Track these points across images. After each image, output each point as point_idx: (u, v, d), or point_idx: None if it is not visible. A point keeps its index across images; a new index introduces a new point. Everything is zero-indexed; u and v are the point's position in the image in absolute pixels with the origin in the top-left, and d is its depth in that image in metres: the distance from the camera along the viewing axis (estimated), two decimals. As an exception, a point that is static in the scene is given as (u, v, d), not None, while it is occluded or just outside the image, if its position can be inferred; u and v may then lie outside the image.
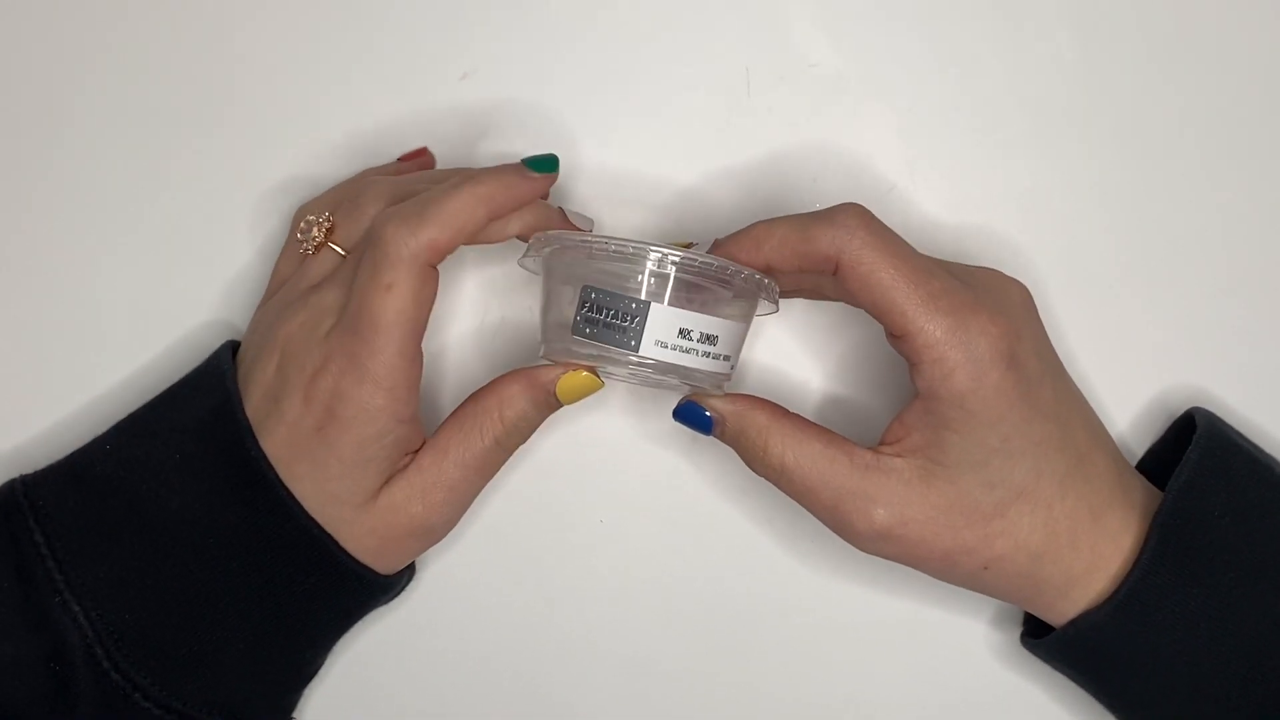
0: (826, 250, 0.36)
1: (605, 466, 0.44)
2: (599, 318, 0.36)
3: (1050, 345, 0.39)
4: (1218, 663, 0.37)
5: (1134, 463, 0.43)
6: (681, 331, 0.36)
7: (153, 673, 0.37)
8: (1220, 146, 0.44)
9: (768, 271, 0.37)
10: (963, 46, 0.44)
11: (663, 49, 0.44)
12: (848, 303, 0.39)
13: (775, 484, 0.38)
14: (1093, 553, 0.38)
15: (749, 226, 0.38)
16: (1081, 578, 0.38)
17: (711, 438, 0.39)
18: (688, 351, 0.36)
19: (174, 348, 0.45)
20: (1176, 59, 0.44)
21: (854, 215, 0.36)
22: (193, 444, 0.38)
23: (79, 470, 0.39)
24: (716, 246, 0.38)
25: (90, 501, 0.38)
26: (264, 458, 0.37)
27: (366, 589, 0.40)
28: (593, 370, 0.37)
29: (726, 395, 0.38)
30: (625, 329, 0.36)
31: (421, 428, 0.39)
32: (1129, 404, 0.44)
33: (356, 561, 0.39)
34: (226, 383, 0.39)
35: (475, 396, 0.39)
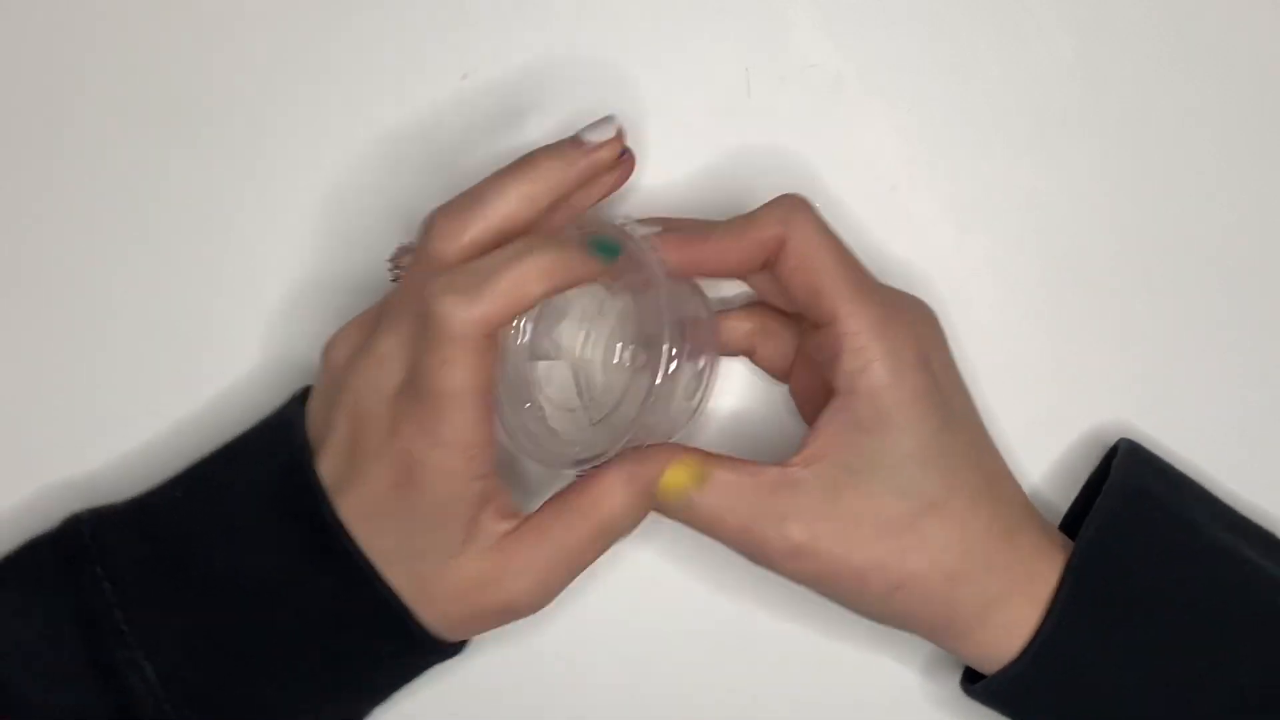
0: (774, 229, 0.36)
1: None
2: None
3: (956, 369, 0.39)
4: (1141, 710, 0.37)
5: (1078, 491, 0.43)
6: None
7: None
8: (1221, 147, 0.44)
9: (697, 268, 0.38)
10: (963, 47, 0.44)
11: (662, 49, 0.44)
12: (769, 297, 0.39)
13: (686, 524, 0.37)
14: (1008, 574, 0.37)
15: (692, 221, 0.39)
16: (997, 601, 0.37)
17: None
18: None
19: (212, 369, 0.45)
20: (1177, 59, 0.44)
21: (798, 199, 0.37)
22: (266, 505, 0.37)
23: (148, 517, 0.38)
24: (667, 232, 0.38)
25: (159, 554, 0.37)
26: (340, 524, 0.36)
27: (436, 655, 0.39)
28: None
29: (620, 457, 0.37)
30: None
31: (500, 487, 0.37)
32: (1129, 405, 0.44)
33: (429, 634, 0.37)
34: (297, 437, 0.37)
35: (575, 487, 0.37)
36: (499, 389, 0.37)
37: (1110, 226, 0.44)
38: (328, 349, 0.38)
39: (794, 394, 0.42)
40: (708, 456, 0.37)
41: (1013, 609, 0.37)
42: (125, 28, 0.45)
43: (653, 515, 0.38)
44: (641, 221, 0.38)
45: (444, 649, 0.39)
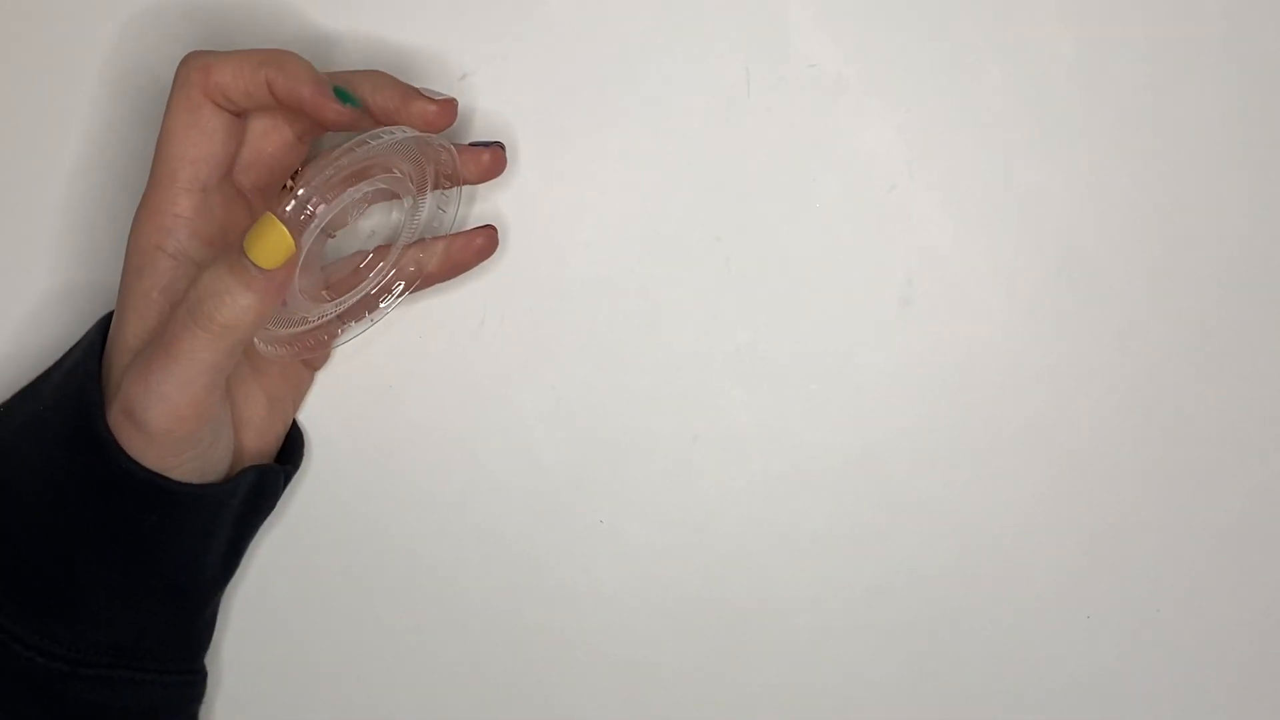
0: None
1: (605, 466, 0.44)
2: None
3: None
4: None
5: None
6: None
7: (25, 621, 0.38)
8: (1221, 147, 0.44)
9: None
10: (963, 46, 0.44)
11: (662, 49, 0.44)
12: None
13: None
14: None
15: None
16: None
17: None
18: None
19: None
20: (1177, 59, 0.44)
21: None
22: (57, 399, 0.39)
23: None
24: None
25: None
26: (99, 387, 0.38)
27: (204, 502, 0.39)
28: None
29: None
30: None
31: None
32: (1128, 404, 0.44)
33: (156, 475, 0.37)
34: (92, 332, 0.39)
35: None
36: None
37: (1110, 226, 0.44)
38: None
39: None
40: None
41: None
42: (123, 27, 0.45)
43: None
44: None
45: (203, 495, 0.39)
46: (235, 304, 0.35)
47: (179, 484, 0.38)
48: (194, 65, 0.37)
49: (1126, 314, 0.44)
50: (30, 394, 0.41)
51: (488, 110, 0.45)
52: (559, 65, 0.45)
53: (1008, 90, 0.44)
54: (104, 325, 0.40)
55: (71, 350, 0.41)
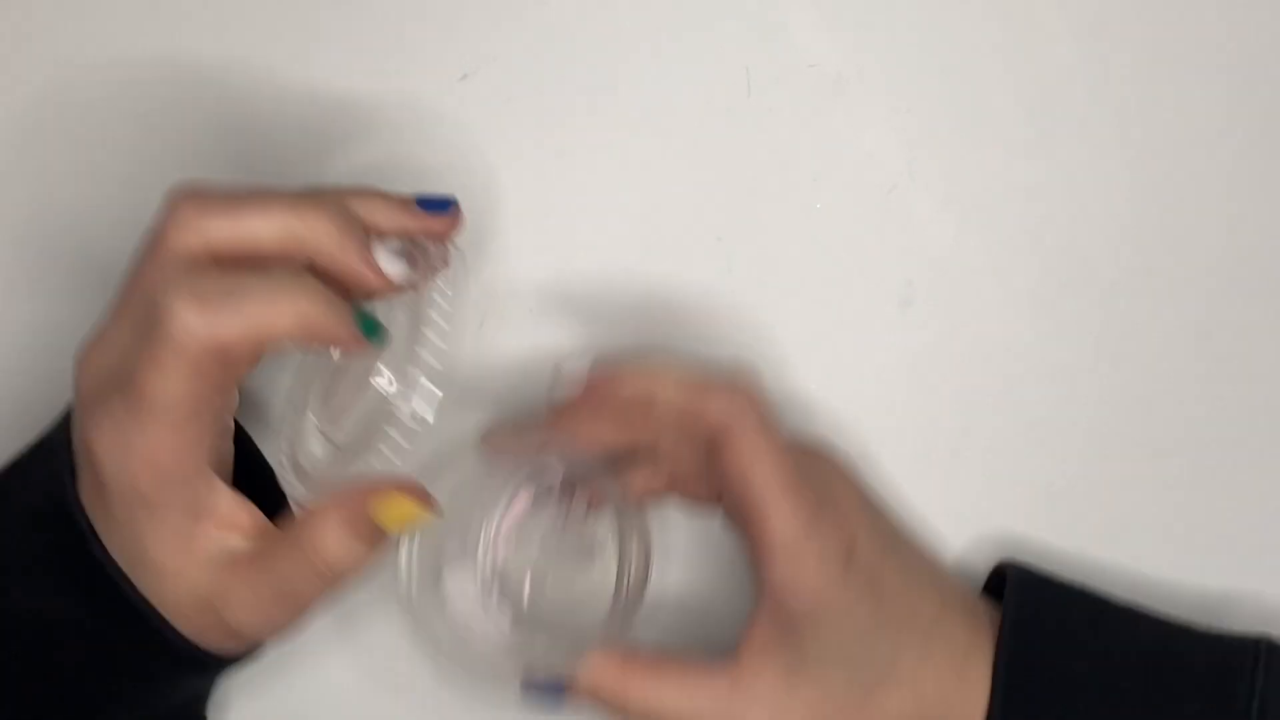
0: (719, 419, 0.36)
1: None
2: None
3: (886, 515, 0.40)
4: None
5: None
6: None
7: None
8: (1221, 146, 0.44)
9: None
10: (963, 46, 0.44)
11: (662, 49, 0.44)
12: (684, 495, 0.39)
13: None
14: (964, 708, 0.37)
15: (642, 360, 0.38)
16: None
17: None
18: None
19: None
20: (1177, 59, 0.44)
21: (748, 395, 0.36)
22: (29, 531, 0.35)
23: None
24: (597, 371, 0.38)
25: None
26: (91, 531, 0.33)
27: (201, 666, 0.36)
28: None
29: (334, 496, 0.34)
30: None
31: (219, 492, 0.34)
32: (1128, 404, 0.44)
33: (185, 641, 0.34)
34: (59, 455, 0.34)
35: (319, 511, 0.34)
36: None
37: (1110, 226, 0.44)
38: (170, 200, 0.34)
39: (727, 513, 0.40)
40: (657, 663, 0.37)
41: None
42: (122, 27, 0.45)
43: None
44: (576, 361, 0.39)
45: (207, 660, 0.35)
46: (356, 557, 0.34)
47: (220, 656, 0.35)
48: (202, 327, 0.30)
49: (1127, 314, 0.44)
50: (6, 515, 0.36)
51: (488, 110, 0.45)
52: (559, 65, 0.45)
53: (1008, 90, 0.44)
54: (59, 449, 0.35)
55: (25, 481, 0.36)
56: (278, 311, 0.31)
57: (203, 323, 0.30)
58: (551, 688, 0.37)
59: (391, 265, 0.34)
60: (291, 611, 0.34)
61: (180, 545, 0.33)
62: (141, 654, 0.35)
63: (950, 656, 0.38)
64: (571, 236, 0.44)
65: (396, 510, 0.34)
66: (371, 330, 0.34)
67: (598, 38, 0.44)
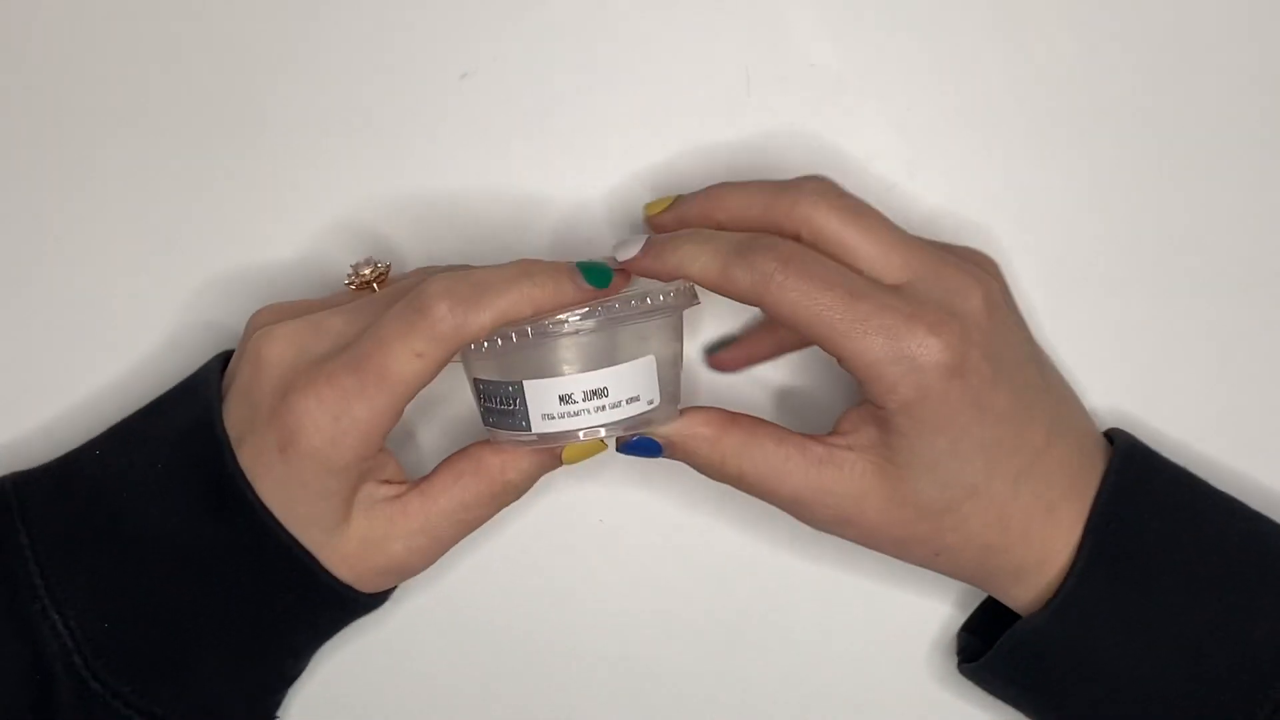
0: (790, 225, 0.37)
1: (605, 467, 0.44)
2: (493, 405, 0.37)
3: (1017, 337, 0.39)
4: (1157, 668, 0.37)
5: None
6: (562, 398, 0.36)
7: (132, 680, 0.38)
8: (1221, 147, 0.44)
9: (721, 228, 0.38)
10: (963, 46, 0.44)
11: (663, 49, 0.44)
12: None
13: (736, 488, 0.39)
14: (1044, 546, 0.38)
15: (709, 188, 0.39)
16: (1032, 569, 0.38)
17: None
18: (578, 414, 0.36)
19: (169, 347, 0.45)
20: (1177, 59, 0.44)
21: (823, 188, 0.38)
22: (173, 454, 0.38)
23: (69, 474, 0.39)
24: (679, 203, 0.39)
25: (76, 507, 0.38)
26: (241, 474, 0.37)
27: (348, 607, 0.40)
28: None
29: (677, 415, 0.38)
30: (513, 412, 0.37)
31: (388, 454, 0.39)
32: (1127, 403, 0.44)
33: (338, 581, 0.38)
34: (208, 392, 0.38)
35: (474, 452, 0.39)
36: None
37: (1110, 226, 0.44)
38: (252, 321, 0.39)
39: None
40: (756, 427, 0.38)
41: (1046, 573, 0.38)
42: (122, 27, 0.45)
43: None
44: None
45: (355, 603, 0.39)
46: (528, 486, 0.39)
47: (329, 576, 0.38)
48: (462, 318, 0.36)
49: (1125, 313, 0.44)
50: (138, 440, 0.40)
51: (488, 110, 0.45)
52: (559, 65, 0.45)
53: (1008, 90, 0.44)
54: (220, 368, 0.40)
55: (184, 397, 0.40)
56: (513, 299, 0.36)
57: (459, 317, 0.35)
58: (646, 444, 0.38)
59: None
60: (460, 533, 0.39)
61: (351, 499, 0.38)
62: (280, 587, 0.38)
63: (1044, 493, 0.38)
64: (572, 236, 0.44)
65: (579, 449, 0.38)
66: (596, 278, 0.37)
67: (598, 38, 0.44)
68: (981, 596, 0.43)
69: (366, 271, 0.40)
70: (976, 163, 0.44)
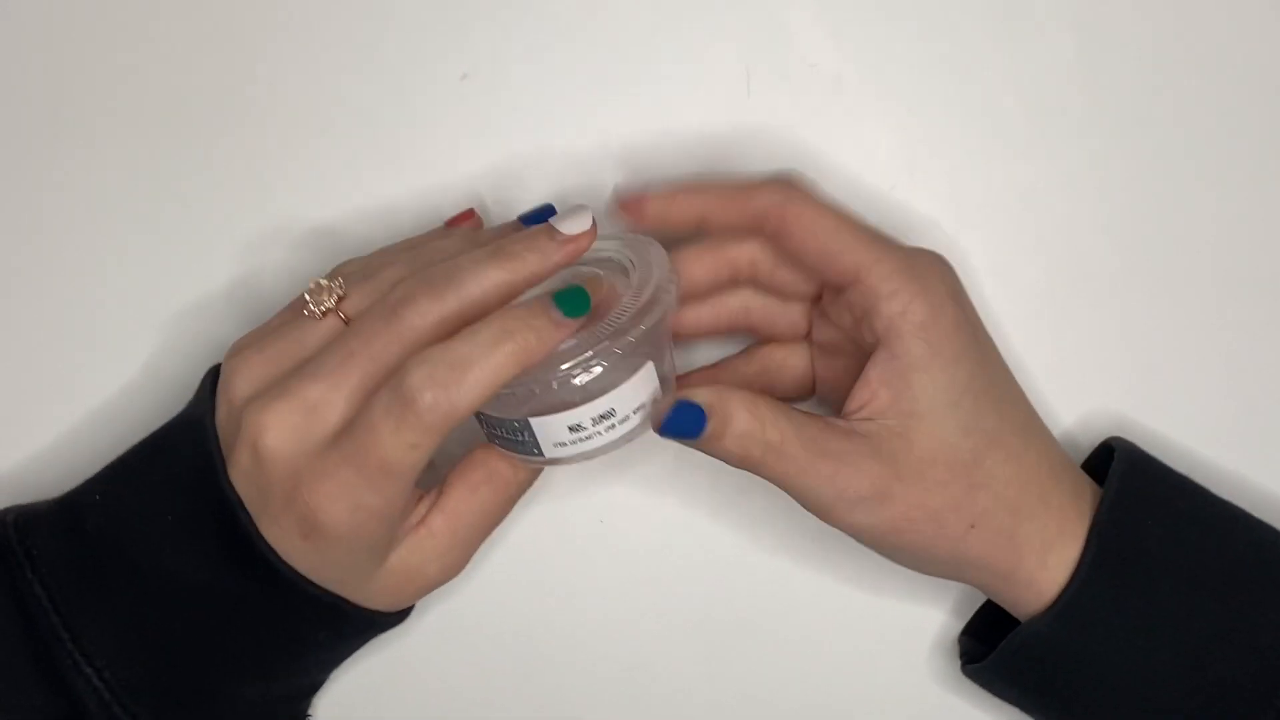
0: (766, 202, 0.38)
1: (605, 466, 0.44)
2: (499, 434, 0.37)
3: (979, 322, 0.40)
4: (1160, 674, 0.37)
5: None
6: (572, 428, 0.36)
7: (168, 717, 0.38)
8: (1221, 147, 0.44)
9: (700, 223, 0.39)
10: (963, 46, 0.44)
11: (663, 49, 0.44)
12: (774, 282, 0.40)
13: (763, 466, 0.37)
14: (1060, 512, 0.38)
15: (685, 181, 0.40)
16: (1055, 542, 0.38)
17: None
18: (590, 438, 0.36)
19: (160, 360, 0.45)
20: (1177, 59, 0.44)
21: (790, 178, 0.39)
22: (184, 503, 0.37)
23: (72, 520, 0.39)
24: (653, 199, 0.40)
25: (85, 555, 0.38)
26: (265, 543, 0.36)
27: (378, 624, 0.41)
28: None
29: (708, 385, 0.37)
30: (523, 442, 0.37)
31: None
32: (1126, 403, 0.44)
33: (372, 610, 0.39)
34: (206, 443, 0.37)
35: (483, 460, 0.39)
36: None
37: (1109, 226, 0.44)
38: (228, 379, 0.37)
39: (823, 396, 0.42)
40: (781, 402, 0.38)
41: (1067, 551, 0.38)
42: (123, 28, 0.45)
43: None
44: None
45: (387, 618, 0.40)
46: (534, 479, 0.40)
47: (358, 610, 0.39)
48: (448, 403, 0.34)
49: (1127, 314, 0.44)
50: (142, 484, 0.39)
51: (488, 110, 0.45)
52: (559, 65, 0.45)
53: (1008, 90, 0.44)
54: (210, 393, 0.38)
55: (182, 435, 0.39)
56: (496, 367, 0.34)
57: (445, 405, 0.34)
58: (689, 418, 0.37)
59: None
60: (483, 538, 0.39)
61: (386, 551, 0.38)
62: (327, 630, 0.39)
63: (1048, 453, 0.39)
64: (571, 236, 0.44)
65: None
66: (575, 308, 0.36)
67: (598, 38, 0.44)
68: (979, 601, 0.43)
69: (328, 301, 0.37)
70: (976, 163, 0.44)
